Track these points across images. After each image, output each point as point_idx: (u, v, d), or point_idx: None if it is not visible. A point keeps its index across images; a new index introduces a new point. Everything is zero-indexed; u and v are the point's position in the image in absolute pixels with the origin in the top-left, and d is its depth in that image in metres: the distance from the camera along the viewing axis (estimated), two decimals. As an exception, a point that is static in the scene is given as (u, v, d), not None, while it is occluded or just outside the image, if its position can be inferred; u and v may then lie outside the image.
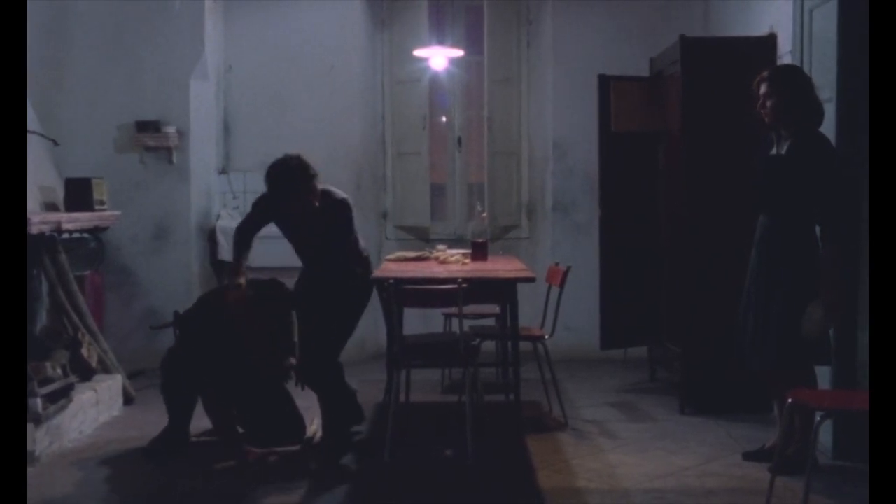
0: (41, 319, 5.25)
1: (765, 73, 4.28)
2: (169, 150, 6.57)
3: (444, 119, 7.54)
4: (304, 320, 4.67)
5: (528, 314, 5.97)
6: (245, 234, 4.63)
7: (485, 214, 6.37)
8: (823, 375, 4.34)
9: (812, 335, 3.98)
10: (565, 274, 5.24)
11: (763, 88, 4.18)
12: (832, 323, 3.96)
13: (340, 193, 4.61)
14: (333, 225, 4.54)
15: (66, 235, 5.46)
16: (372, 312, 4.82)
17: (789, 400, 3.75)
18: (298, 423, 4.83)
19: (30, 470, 4.19)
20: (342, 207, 4.56)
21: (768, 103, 4.16)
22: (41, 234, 5.02)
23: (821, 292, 3.98)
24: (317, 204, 4.43)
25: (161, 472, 4.37)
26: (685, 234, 5.38)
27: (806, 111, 4.11)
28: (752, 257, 4.34)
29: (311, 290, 4.64)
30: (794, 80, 4.17)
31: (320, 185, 4.47)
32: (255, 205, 4.65)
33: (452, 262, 5.40)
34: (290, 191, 4.37)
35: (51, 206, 5.58)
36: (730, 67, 5.27)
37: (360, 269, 4.68)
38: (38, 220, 4.89)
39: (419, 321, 6.26)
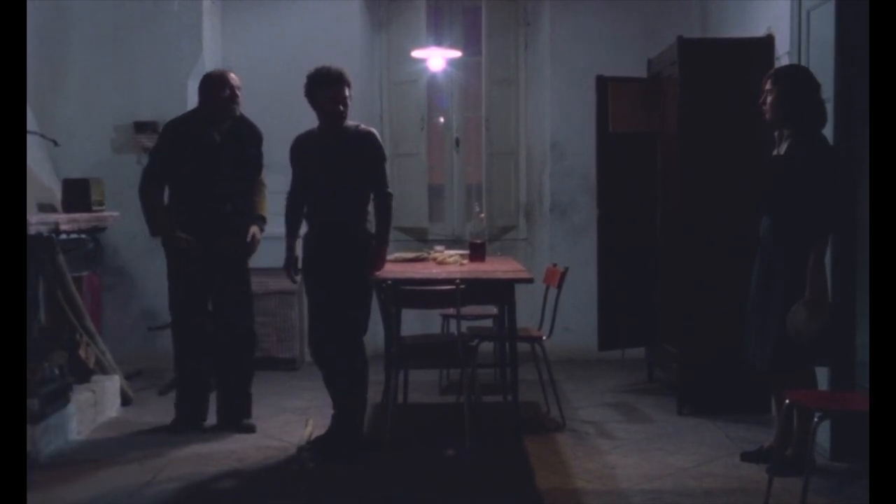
0: (39, 320, 5.24)
1: (772, 70, 4.30)
2: (167, 150, 6.55)
3: (442, 120, 7.54)
4: (314, 289, 4.65)
5: (526, 315, 5.99)
6: (293, 207, 4.73)
7: (483, 215, 6.37)
8: (821, 376, 4.35)
9: (798, 335, 3.98)
10: (563, 275, 5.24)
11: (767, 85, 4.19)
12: (817, 323, 3.96)
13: (366, 126, 4.65)
14: (360, 162, 4.53)
15: (63, 236, 5.46)
16: (371, 313, 4.80)
17: (787, 401, 3.76)
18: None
19: (27, 471, 4.18)
20: (370, 138, 4.57)
21: (768, 100, 4.17)
22: (39, 235, 5.02)
23: (806, 293, 3.99)
24: (341, 108, 4.51)
25: (158, 472, 4.37)
26: (682, 234, 5.38)
27: (804, 112, 4.10)
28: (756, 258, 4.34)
29: (321, 256, 4.57)
30: (797, 80, 4.16)
31: (351, 120, 4.60)
32: (292, 158, 4.70)
33: (450, 263, 5.40)
34: (330, 79, 4.48)
35: (48, 207, 5.58)
36: (727, 68, 5.29)
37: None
38: (35, 220, 4.89)
39: (417, 322, 6.27)
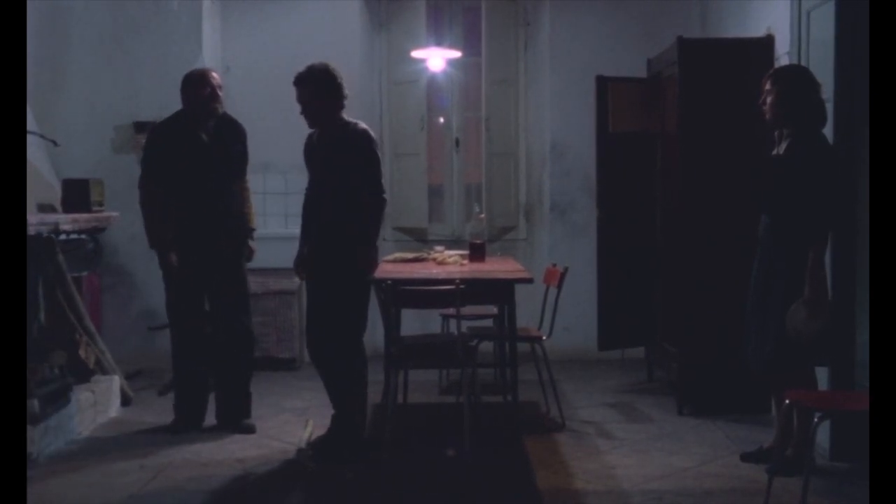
0: (39, 320, 5.24)
1: (772, 70, 4.31)
2: (167, 150, 6.55)
3: (441, 120, 7.54)
4: (314, 289, 4.65)
5: (526, 315, 5.98)
6: (306, 206, 4.68)
7: (482, 215, 6.37)
8: (821, 376, 4.35)
9: (798, 335, 3.98)
10: (563, 275, 5.24)
11: (767, 84, 4.20)
12: (817, 323, 3.96)
13: (363, 125, 4.62)
14: (356, 161, 4.50)
15: (63, 236, 5.46)
16: (370, 313, 4.80)
17: (787, 401, 3.76)
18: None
19: (27, 471, 4.18)
20: (363, 137, 4.53)
21: (768, 100, 4.18)
22: (39, 235, 5.02)
23: (805, 292, 3.99)
24: (301, 110, 4.52)
25: (158, 472, 4.36)
26: (682, 234, 5.38)
27: (804, 112, 4.10)
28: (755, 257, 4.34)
29: (320, 255, 4.57)
30: (796, 80, 4.17)
31: (347, 116, 4.57)
32: (304, 157, 4.69)
33: (450, 263, 5.40)
34: (311, 78, 4.50)
35: (48, 207, 5.58)
36: (727, 68, 5.28)
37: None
38: (35, 221, 4.89)
39: (417, 322, 6.27)
